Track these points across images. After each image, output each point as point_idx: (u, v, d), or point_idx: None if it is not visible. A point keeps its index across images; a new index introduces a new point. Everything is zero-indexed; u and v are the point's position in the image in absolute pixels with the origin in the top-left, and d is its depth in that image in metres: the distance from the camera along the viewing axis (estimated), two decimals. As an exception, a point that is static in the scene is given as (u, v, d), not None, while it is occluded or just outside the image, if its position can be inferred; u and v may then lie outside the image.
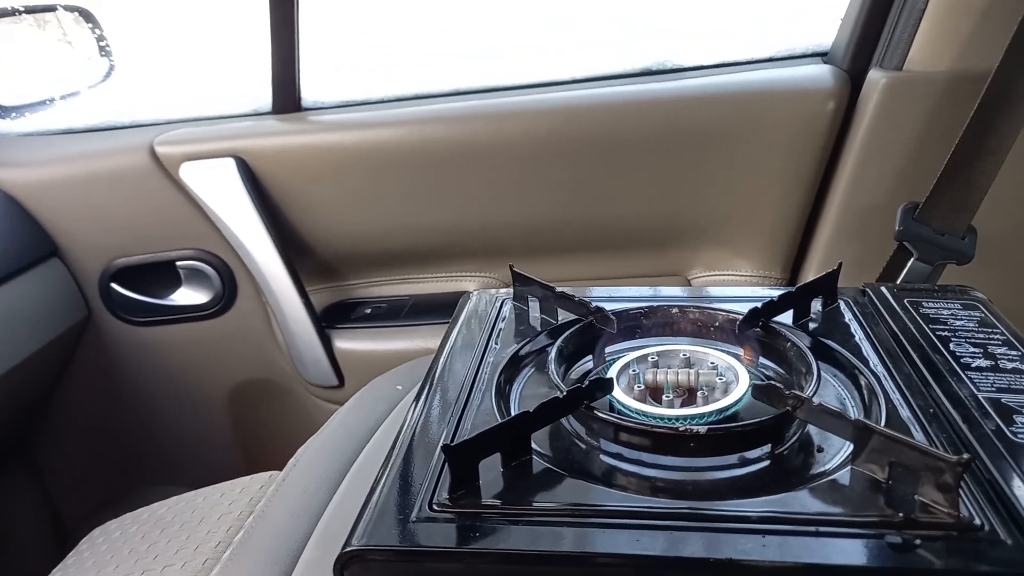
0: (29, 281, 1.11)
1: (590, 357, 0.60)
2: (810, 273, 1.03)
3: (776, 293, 0.61)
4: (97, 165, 1.11)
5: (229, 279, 1.17)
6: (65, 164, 1.13)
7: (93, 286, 1.18)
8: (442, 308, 1.14)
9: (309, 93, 1.11)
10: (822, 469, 0.45)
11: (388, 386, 0.87)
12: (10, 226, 1.10)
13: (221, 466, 1.23)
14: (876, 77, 0.92)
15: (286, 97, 1.09)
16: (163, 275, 1.18)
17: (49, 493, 1.30)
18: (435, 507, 0.44)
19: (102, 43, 1.26)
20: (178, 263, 1.17)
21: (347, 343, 1.15)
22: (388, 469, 0.48)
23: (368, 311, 1.19)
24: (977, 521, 0.39)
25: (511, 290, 0.69)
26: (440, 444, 0.48)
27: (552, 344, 0.58)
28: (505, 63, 1.15)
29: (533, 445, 0.47)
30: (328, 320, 1.17)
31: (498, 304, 0.70)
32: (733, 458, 0.47)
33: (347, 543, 0.42)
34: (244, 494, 0.81)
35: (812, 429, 0.48)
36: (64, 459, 1.30)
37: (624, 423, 0.48)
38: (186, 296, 1.19)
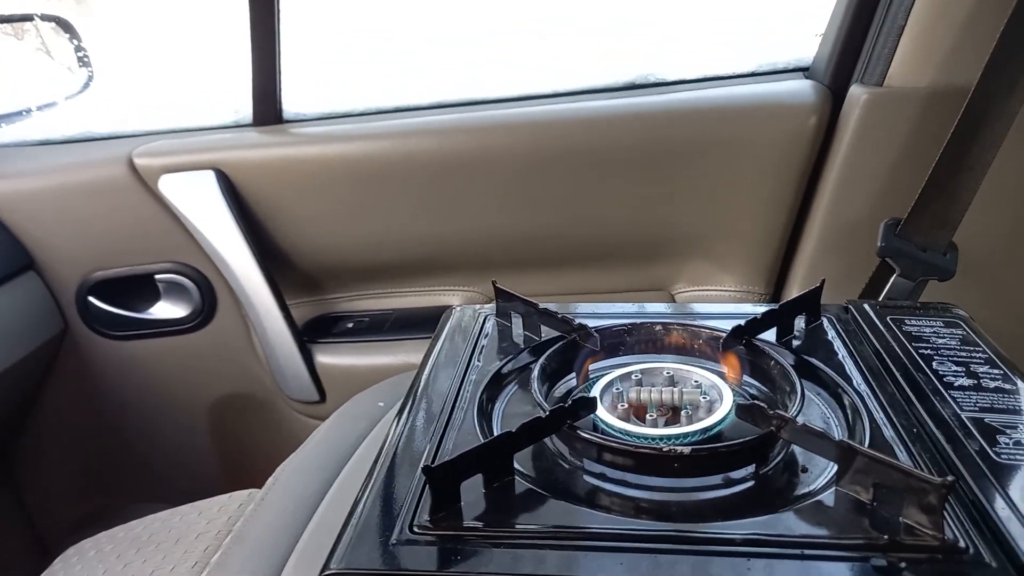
0: (4, 294, 1.09)
1: (573, 374, 0.59)
2: (793, 287, 1.03)
3: (760, 310, 0.61)
4: (75, 176, 1.10)
5: (209, 293, 1.16)
6: (42, 175, 1.11)
7: (70, 299, 1.16)
8: (425, 323, 1.13)
9: (290, 105, 1.10)
10: (807, 490, 0.45)
11: (370, 402, 0.86)
12: (-15, 238, 1.08)
13: (201, 482, 1.21)
14: (857, 92, 0.93)
15: (267, 109, 1.08)
16: (141, 288, 1.17)
17: (27, 509, 1.28)
18: (416, 529, 0.43)
19: (80, 53, 1.25)
20: (157, 276, 1.16)
21: (329, 358, 1.14)
22: (368, 489, 0.47)
23: (350, 325, 1.17)
24: (962, 543, 0.39)
25: (494, 305, 0.69)
26: (421, 465, 0.47)
27: (535, 361, 0.58)
28: (488, 76, 1.14)
29: (516, 465, 0.47)
30: (309, 334, 1.16)
31: (481, 320, 0.69)
32: (717, 478, 0.46)
33: (326, 566, 0.41)
34: (222, 513, 0.79)
35: (797, 448, 0.48)
36: (42, 475, 1.27)
37: (607, 443, 0.47)
38: (165, 310, 1.18)
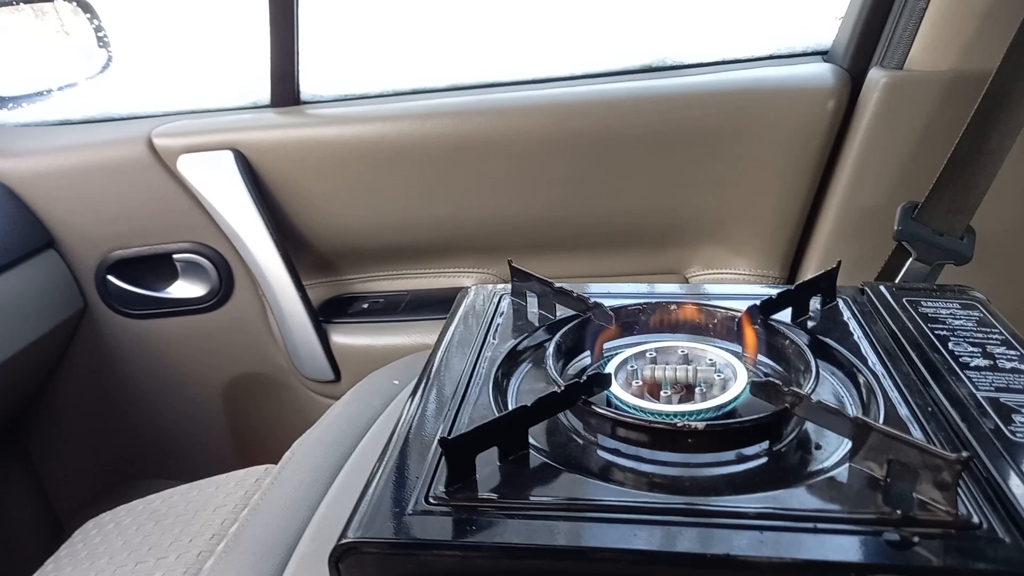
0: (25, 272, 1.10)
1: (588, 353, 0.60)
2: (808, 272, 1.03)
3: (775, 291, 0.61)
4: (94, 156, 1.11)
5: (226, 272, 1.17)
6: (62, 155, 1.12)
7: (89, 278, 1.18)
8: (439, 304, 1.14)
9: (308, 86, 1.10)
10: (820, 466, 0.45)
11: (385, 381, 0.87)
12: (6, 217, 1.09)
13: (216, 459, 1.23)
14: (876, 76, 0.92)
15: (285, 90, 1.09)
16: (160, 268, 1.18)
17: (43, 485, 1.30)
18: (431, 500, 0.43)
19: (100, 34, 1.26)
20: (175, 256, 1.17)
21: (344, 338, 1.15)
22: (384, 462, 0.48)
23: (365, 306, 1.18)
24: (975, 519, 0.39)
25: (509, 285, 0.69)
26: (437, 438, 0.48)
27: (550, 339, 0.58)
28: (505, 58, 1.14)
29: (530, 440, 0.47)
30: (325, 314, 1.17)
31: (496, 299, 0.69)
32: (731, 454, 0.47)
33: (342, 535, 0.42)
34: (239, 487, 0.80)
35: (810, 427, 0.48)
36: (59, 451, 1.29)
37: (622, 418, 0.47)
38: (183, 289, 1.19)
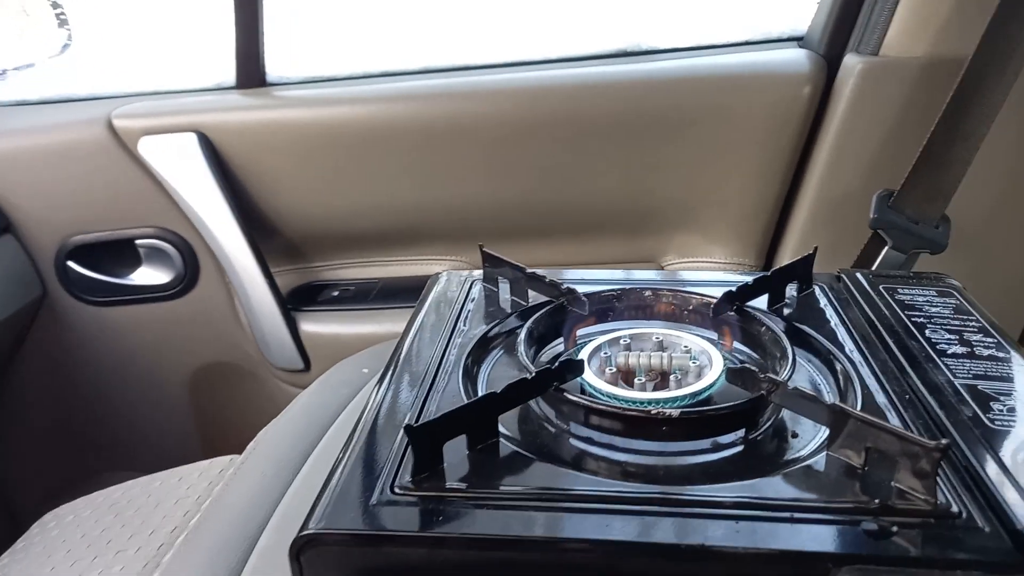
0: (-20, 257, 1.07)
1: (561, 340, 0.58)
2: (784, 260, 1.02)
3: (751, 278, 0.60)
4: (52, 138, 1.07)
5: (191, 259, 1.14)
6: (19, 137, 1.08)
7: (49, 264, 1.14)
8: (411, 291, 1.11)
9: (274, 68, 1.08)
10: (797, 455, 0.44)
11: (354, 369, 0.85)
12: (-40, 201, 1.06)
13: (183, 451, 1.20)
14: (852, 62, 0.92)
15: (250, 71, 1.06)
16: (122, 253, 1.15)
17: (2, 477, 1.26)
18: (397, 490, 0.42)
19: (58, 12, 1.22)
20: (137, 241, 1.14)
21: (313, 326, 1.13)
22: (349, 451, 0.46)
23: (335, 294, 1.16)
24: (954, 508, 0.38)
25: (480, 271, 0.68)
26: (403, 425, 0.46)
27: (522, 326, 0.56)
28: (476, 41, 1.12)
29: (501, 428, 0.46)
30: (294, 302, 1.14)
31: (467, 285, 0.68)
32: (706, 443, 0.45)
33: (303, 527, 0.40)
34: (202, 479, 0.78)
35: (786, 415, 0.47)
36: (19, 442, 1.26)
37: (595, 406, 0.46)
38: (146, 276, 1.16)
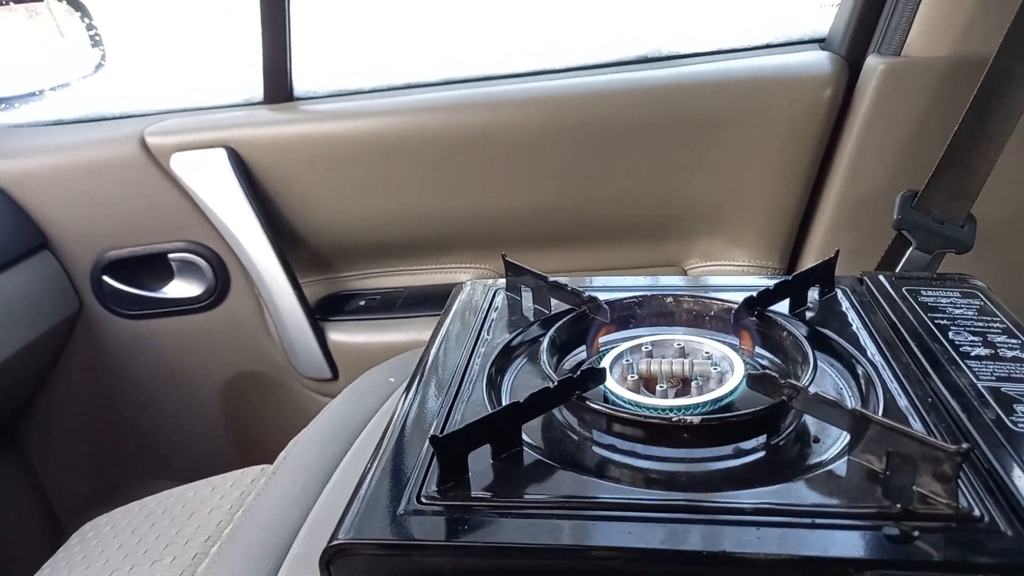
0: (20, 273, 1.10)
1: (583, 347, 0.59)
2: (807, 263, 1.02)
3: (772, 282, 0.60)
4: (87, 156, 1.10)
5: (221, 271, 1.16)
6: (55, 155, 1.11)
7: (85, 278, 1.17)
8: (436, 300, 1.13)
9: (301, 83, 1.09)
10: (818, 460, 0.44)
11: (381, 378, 0.86)
12: (0, 217, 1.09)
13: (214, 459, 1.22)
14: (874, 63, 0.91)
15: (277, 87, 1.07)
16: (155, 267, 1.17)
17: (41, 486, 1.29)
18: (423, 500, 0.43)
19: (92, 33, 1.25)
20: (170, 255, 1.16)
21: (341, 335, 1.14)
22: (377, 462, 0.47)
23: (362, 303, 1.17)
24: (976, 512, 0.39)
25: (504, 280, 0.68)
26: (428, 436, 0.47)
27: (544, 334, 0.57)
28: (499, 51, 1.13)
29: (524, 437, 0.47)
30: (322, 312, 1.16)
31: (491, 294, 0.69)
32: (728, 449, 0.46)
33: (333, 537, 0.41)
34: (235, 488, 0.80)
35: (808, 419, 0.48)
36: (57, 452, 1.29)
37: (617, 414, 0.47)
38: (178, 288, 1.18)
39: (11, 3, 1.31)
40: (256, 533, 0.63)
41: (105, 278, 1.17)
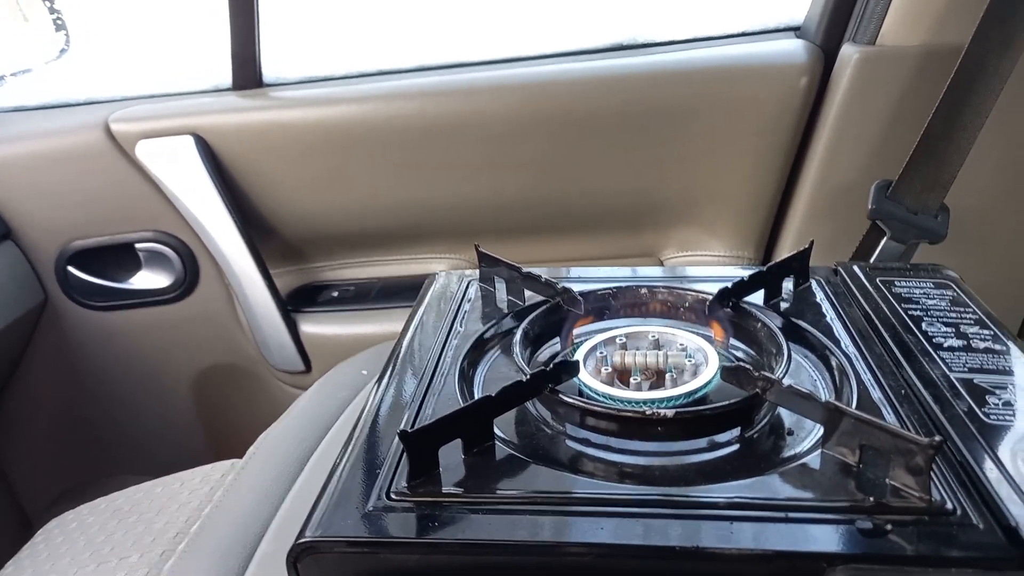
0: (-18, 264, 1.07)
1: (558, 339, 0.58)
2: (783, 252, 1.02)
3: (747, 273, 0.59)
4: (50, 143, 1.07)
5: (190, 262, 1.14)
6: (17, 143, 1.09)
7: (49, 269, 1.14)
8: (411, 291, 1.10)
9: (270, 69, 1.07)
10: (792, 452, 0.44)
11: (352, 371, 0.85)
12: (-40, 207, 1.06)
13: (186, 453, 1.20)
14: (849, 52, 0.91)
15: (246, 73, 1.05)
16: (122, 258, 1.15)
17: (8, 481, 1.27)
18: (393, 496, 0.42)
19: (56, 17, 1.22)
20: (137, 245, 1.14)
21: (314, 327, 1.13)
22: (346, 457, 0.46)
23: (335, 294, 1.16)
24: (949, 505, 0.38)
25: (478, 271, 0.68)
26: (398, 430, 0.46)
27: (517, 326, 0.56)
28: (473, 37, 1.12)
29: (497, 431, 0.46)
30: (294, 304, 1.15)
31: (464, 285, 0.68)
32: (702, 442, 0.45)
33: (300, 535, 0.40)
34: (203, 483, 0.78)
35: (783, 412, 0.47)
36: (23, 448, 1.26)
37: (590, 407, 0.46)
38: (146, 279, 1.16)
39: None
40: (224, 530, 0.62)
41: (70, 269, 1.14)
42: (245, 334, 1.17)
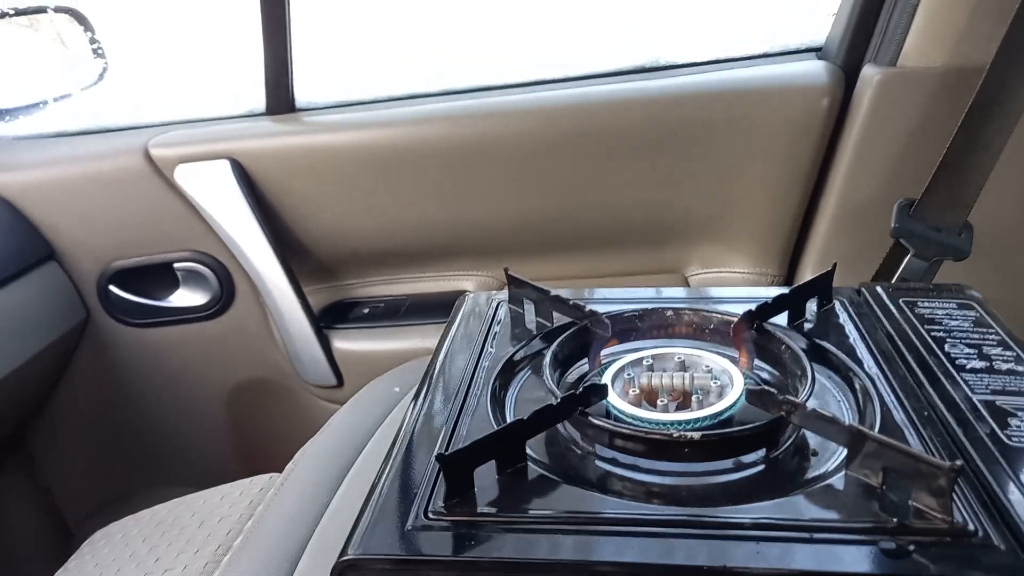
0: (27, 284, 1.11)
1: (585, 360, 0.60)
2: (806, 270, 1.03)
3: (771, 294, 0.61)
4: (92, 167, 1.11)
5: (227, 280, 1.17)
6: (60, 167, 1.12)
7: (91, 288, 1.18)
8: (439, 307, 1.14)
9: (303, 94, 1.10)
10: (817, 473, 0.45)
11: (386, 387, 0.87)
12: (6, 230, 1.10)
13: (221, 467, 1.23)
14: (870, 73, 0.92)
15: (279, 98, 1.09)
16: (161, 277, 1.18)
17: (50, 495, 1.30)
18: (431, 515, 0.44)
19: (94, 44, 1.26)
20: (175, 265, 1.17)
21: (345, 343, 1.16)
22: (384, 476, 0.48)
23: (366, 311, 1.18)
24: (971, 527, 0.39)
25: (507, 291, 0.69)
26: (435, 452, 0.48)
27: (547, 348, 0.58)
28: (499, 62, 1.14)
29: (528, 451, 0.47)
30: (326, 320, 1.17)
31: (494, 306, 0.70)
32: (728, 463, 0.47)
33: (343, 552, 0.42)
34: (244, 496, 0.81)
35: (807, 432, 0.49)
36: (65, 461, 1.30)
37: (618, 429, 0.48)
38: (184, 298, 1.19)
39: (12, 15, 1.32)
40: (266, 543, 0.64)
41: (111, 288, 1.18)
42: (279, 350, 1.20)
